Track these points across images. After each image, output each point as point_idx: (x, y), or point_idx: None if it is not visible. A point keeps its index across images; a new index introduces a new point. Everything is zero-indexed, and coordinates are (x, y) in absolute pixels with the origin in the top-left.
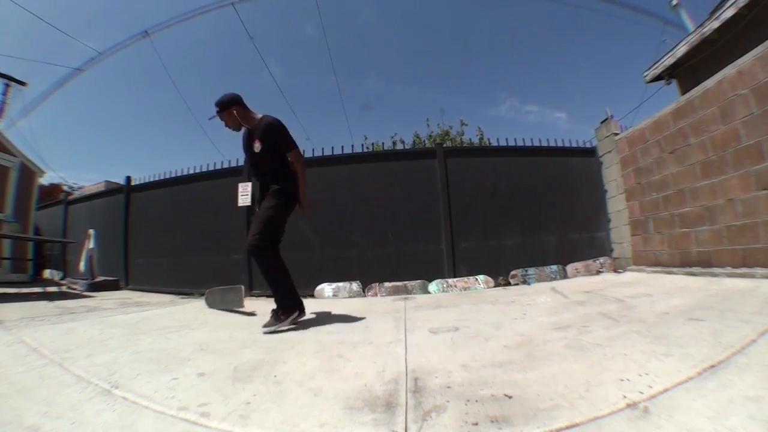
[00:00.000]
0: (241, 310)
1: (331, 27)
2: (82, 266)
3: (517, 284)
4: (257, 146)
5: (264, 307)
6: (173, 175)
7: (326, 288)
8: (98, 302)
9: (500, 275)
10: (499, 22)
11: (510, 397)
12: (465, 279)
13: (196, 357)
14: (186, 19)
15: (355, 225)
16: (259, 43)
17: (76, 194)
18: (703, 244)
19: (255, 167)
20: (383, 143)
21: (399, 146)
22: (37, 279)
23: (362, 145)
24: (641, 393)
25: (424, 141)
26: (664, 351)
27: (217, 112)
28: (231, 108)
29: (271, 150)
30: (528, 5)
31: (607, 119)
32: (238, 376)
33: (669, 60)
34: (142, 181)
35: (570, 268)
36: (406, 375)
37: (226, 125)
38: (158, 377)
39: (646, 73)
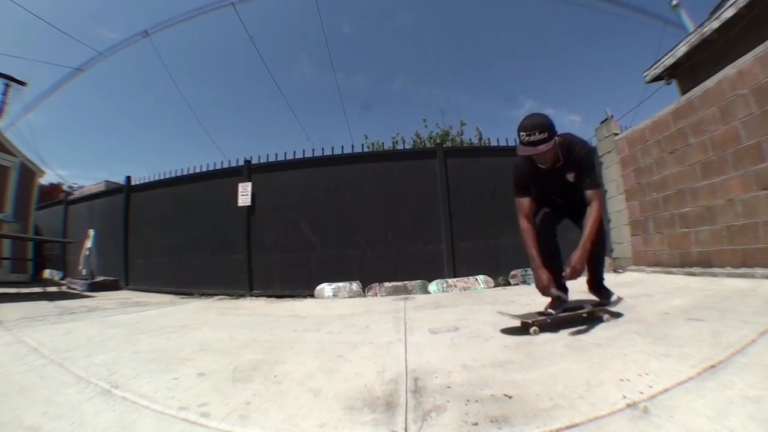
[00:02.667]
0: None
1: (369, 29)
2: (81, 266)
3: (517, 284)
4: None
5: (265, 307)
6: (173, 175)
7: (326, 288)
8: (98, 302)
9: (500, 275)
10: (514, 26)
11: (510, 397)
12: (465, 279)
13: (196, 357)
14: (188, 18)
15: (355, 225)
16: (291, 41)
17: (76, 194)
18: (703, 244)
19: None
20: (383, 143)
21: (400, 146)
22: (37, 279)
23: (362, 145)
24: (641, 393)
25: (424, 141)
26: (664, 351)
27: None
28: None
29: None
30: (532, 8)
31: (607, 119)
32: (238, 376)
33: (669, 60)
34: (142, 181)
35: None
36: (406, 375)
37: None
38: (158, 377)
39: (646, 73)
